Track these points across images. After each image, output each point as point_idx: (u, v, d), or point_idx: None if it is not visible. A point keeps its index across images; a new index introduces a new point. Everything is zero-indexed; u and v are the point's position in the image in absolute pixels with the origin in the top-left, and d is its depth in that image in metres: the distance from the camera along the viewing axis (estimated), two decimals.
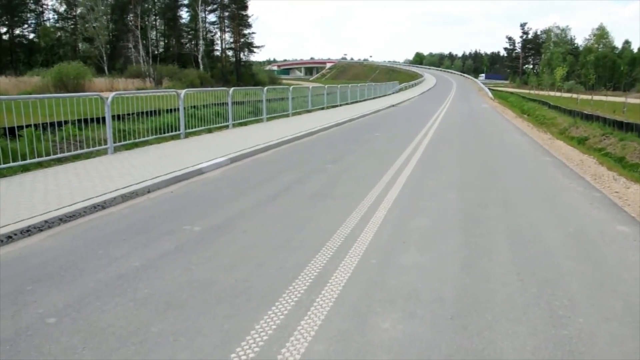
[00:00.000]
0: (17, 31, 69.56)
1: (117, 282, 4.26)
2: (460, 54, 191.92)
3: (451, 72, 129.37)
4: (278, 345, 3.33)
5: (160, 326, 3.54)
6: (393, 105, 31.10)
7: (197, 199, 7.08)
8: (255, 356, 3.19)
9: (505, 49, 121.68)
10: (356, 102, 32.42)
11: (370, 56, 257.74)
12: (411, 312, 3.83)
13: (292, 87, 22.76)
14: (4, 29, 67.77)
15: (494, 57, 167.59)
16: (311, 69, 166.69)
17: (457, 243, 5.45)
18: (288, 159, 10.71)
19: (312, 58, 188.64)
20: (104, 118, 10.28)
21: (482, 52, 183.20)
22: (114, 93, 10.51)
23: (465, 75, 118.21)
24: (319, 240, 5.34)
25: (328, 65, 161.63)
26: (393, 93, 50.10)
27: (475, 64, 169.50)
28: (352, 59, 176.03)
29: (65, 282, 4.26)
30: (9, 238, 5.20)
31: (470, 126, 20.50)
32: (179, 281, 4.28)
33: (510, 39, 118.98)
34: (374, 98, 38.50)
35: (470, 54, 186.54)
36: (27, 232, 5.39)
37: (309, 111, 22.86)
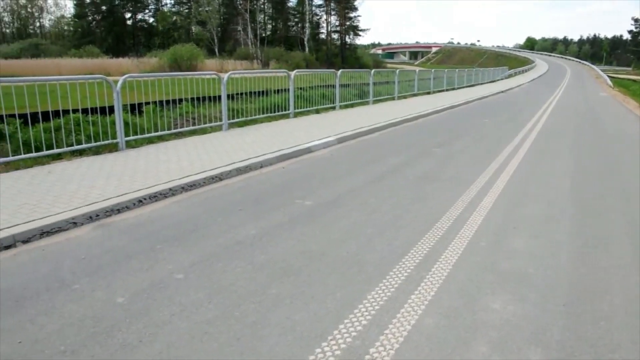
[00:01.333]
0: (139, 16, 74.29)
1: (236, 247, 4.55)
2: (576, 39, 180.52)
3: (565, 58, 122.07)
4: (389, 315, 3.43)
5: (277, 289, 3.76)
6: (502, 92, 29.99)
7: (307, 176, 7.32)
8: (367, 323, 3.32)
9: (630, 32, 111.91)
10: (463, 87, 31.63)
11: (478, 40, 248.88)
12: (522, 296, 3.79)
13: (398, 70, 22.60)
14: (128, 15, 72.60)
15: (616, 41, 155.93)
16: (416, 53, 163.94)
17: (571, 232, 5.26)
18: (394, 142, 10.74)
19: (417, 42, 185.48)
20: (215, 97, 10.85)
21: (601, 36, 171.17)
22: (229, 72, 11.04)
23: (582, 61, 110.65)
24: (427, 221, 5.37)
25: (433, 49, 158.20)
26: (502, 79, 48.24)
27: (592, 49, 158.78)
28: (458, 43, 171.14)
29: (189, 244, 4.62)
30: (140, 202, 5.69)
31: (586, 115, 19.35)
32: (292, 250, 4.50)
33: (637, 20, 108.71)
34: (481, 84, 37.32)
35: (587, 38, 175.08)
36: (155, 197, 5.87)
37: (415, 95, 22.64)
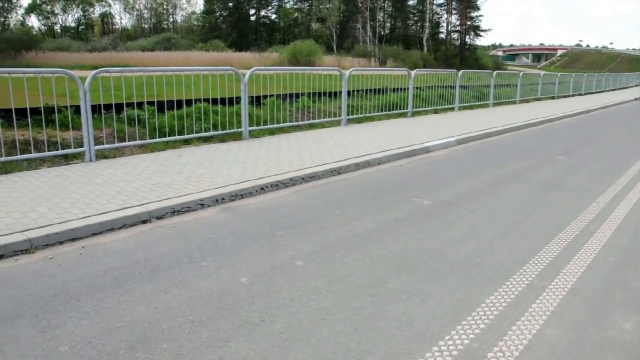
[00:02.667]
0: (262, 13, 77.15)
1: (354, 239, 4.62)
2: None
3: None
4: (508, 322, 3.33)
5: (394, 284, 3.78)
6: (636, 99, 27.78)
7: (425, 175, 7.26)
8: (485, 327, 3.24)
9: None
10: (591, 93, 29.67)
11: (611, 43, 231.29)
12: None
13: (522, 73, 21.67)
14: (252, 11, 75.64)
15: None
16: (539, 55, 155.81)
17: None
18: (516, 146, 10.33)
19: (541, 44, 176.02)
20: (332, 93, 11.05)
21: None
22: (351, 69, 11.19)
23: None
24: (550, 230, 5.14)
25: (559, 52, 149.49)
26: (636, 85, 44.63)
27: None
28: (587, 45, 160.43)
29: (308, 232, 4.76)
30: (262, 189, 5.94)
31: None
32: (410, 247, 4.49)
33: None
34: (612, 90, 34.80)
35: None
36: (276, 186, 6.11)
37: (538, 99, 21.61)
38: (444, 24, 76.54)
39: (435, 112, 14.21)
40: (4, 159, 6.35)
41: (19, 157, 6.50)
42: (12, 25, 63.49)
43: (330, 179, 6.70)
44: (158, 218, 5.00)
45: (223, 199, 5.55)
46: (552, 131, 13.14)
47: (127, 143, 7.46)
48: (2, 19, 63.44)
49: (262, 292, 3.59)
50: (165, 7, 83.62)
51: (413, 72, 13.22)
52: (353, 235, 4.72)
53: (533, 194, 6.52)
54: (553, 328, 3.30)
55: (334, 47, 64.89)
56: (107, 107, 7.77)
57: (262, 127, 9.17)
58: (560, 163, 8.65)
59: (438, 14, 76.24)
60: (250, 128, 8.85)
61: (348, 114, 11.03)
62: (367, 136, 9.42)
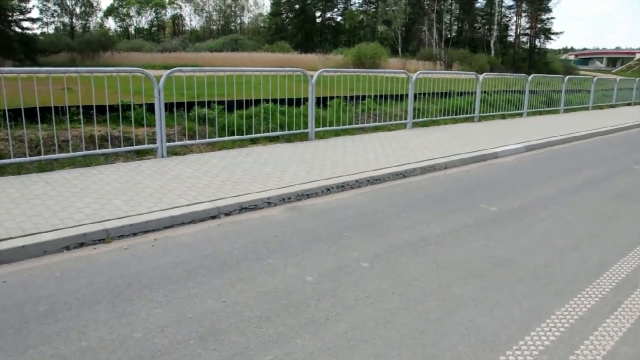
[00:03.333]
0: (328, 15, 77.62)
1: (420, 243, 4.60)
2: None
3: None
4: (580, 336, 3.23)
5: (460, 290, 3.73)
6: None
7: (493, 181, 7.12)
8: (555, 339, 3.16)
9: None
10: None
11: None
12: None
13: (595, 78, 20.82)
14: (318, 13, 76.23)
15: None
16: (615, 59, 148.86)
17: None
18: (589, 154, 9.95)
19: (617, 47, 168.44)
20: (397, 95, 10.99)
21: None
22: (418, 72, 11.09)
23: None
24: (626, 243, 4.92)
25: (637, 55, 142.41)
26: None
27: None
28: None
29: (374, 235, 4.77)
30: (328, 190, 6.00)
31: None
32: (477, 254, 4.43)
33: None
34: None
35: None
36: (341, 187, 6.15)
37: (612, 106, 20.70)
38: (513, 27, 74.46)
39: (503, 117, 13.88)
40: (84, 152, 6.71)
41: (97, 151, 6.86)
42: (91, 27, 66.95)
43: (396, 182, 6.68)
44: (226, 214, 5.14)
45: (289, 198, 5.64)
46: (628, 139, 12.55)
47: (196, 141, 7.71)
48: (84, 22, 67.00)
49: (327, 291, 3.64)
50: (233, 9, 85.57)
51: (481, 76, 12.97)
52: (419, 239, 4.69)
53: (607, 204, 6.27)
54: (630, 346, 3.17)
55: (399, 49, 64.42)
56: (178, 105, 8.04)
57: (327, 128, 9.25)
58: (636, 173, 8.27)
59: (507, 16, 74.25)
60: (316, 129, 8.94)
61: (414, 117, 10.94)
62: (432, 140, 9.32)
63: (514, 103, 14.85)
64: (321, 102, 10.29)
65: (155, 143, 7.20)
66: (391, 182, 6.68)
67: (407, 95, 10.93)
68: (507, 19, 74.58)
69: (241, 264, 4.05)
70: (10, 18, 46.51)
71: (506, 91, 15.12)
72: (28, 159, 6.36)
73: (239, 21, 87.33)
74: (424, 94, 12.32)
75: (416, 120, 11.02)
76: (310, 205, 5.61)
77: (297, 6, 77.18)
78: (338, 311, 3.37)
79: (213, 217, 5.06)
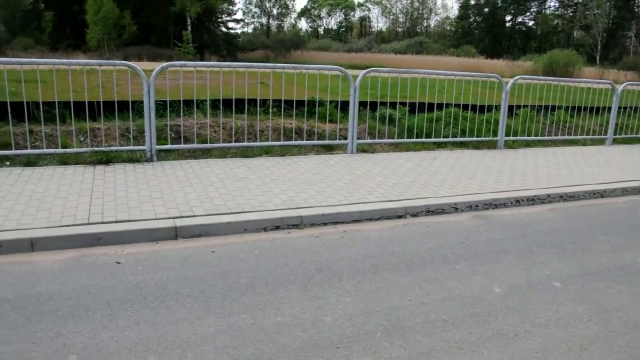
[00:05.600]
0: (519, 19, 73.97)
1: (621, 271, 4.22)
2: None
3: None
4: None
5: None
6: None
7: None
8: None
9: None
10: None
11: None
12: None
13: None
14: (508, 17, 73.06)
15: None
16: None
17: None
18: None
19: None
20: (594, 108, 10.11)
21: None
22: (625, 83, 10.13)
23: None
24: None
25: None
26: None
27: None
28: None
29: (567, 254, 4.49)
30: (517, 202, 5.79)
31: None
32: None
33: None
34: None
35: None
36: (532, 200, 5.87)
37: None
38: None
39: None
40: (280, 142, 7.26)
41: (292, 142, 7.40)
42: (285, 27, 71.81)
43: (593, 201, 6.19)
44: (413, 215, 5.20)
45: (477, 205, 5.53)
46: None
47: (384, 140, 7.90)
48: (279, 23, 72.11)
49: (516, 305, 3.52)
50: (420, 11, 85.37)
51: None
52: (619, 266, 4.31)
53: None
54: None
55: (597, 57, 59.17)
56: (361, 104, 8.25)
57: (517, 137, 8.87)
58: None
59: None
60: (506, 138, 8.62)
61: (615, 133, 10.02)
62: (637, 159, 8.45)
63: None
64: (508, 110, 9.89)
65: (345, 139, 7.50)
66: (587, 200, 6.20)
67: (606, 107, 10.05)
68: None
69: (427, 266, 4.07)
70: (219, 19, 52.22)
71: None
72: (232, 144, 7.06)
73: (425, 24, 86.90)
74: (630, 107, 11.19)
75: (617, 136, 10.07)
76: (498, 215, 5.44)
77: (486, 10, 74.65)
78: (527, 328, 3.25)
79: (399, 217, 5.15)
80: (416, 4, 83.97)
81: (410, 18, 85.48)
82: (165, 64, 6.65)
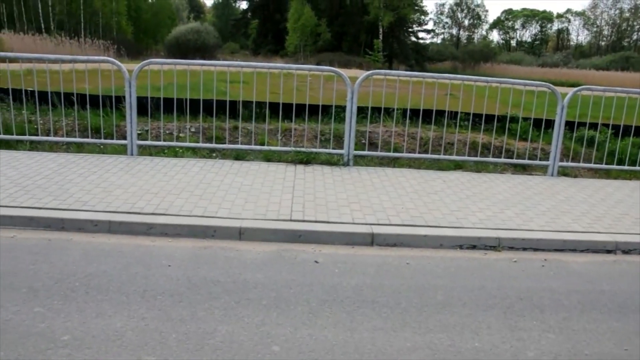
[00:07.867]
0: None
1: None
2: None
3: None
4: None
5: None
6: None
7: None
8: None
9: None
10: None
11: None
12: None
13: None
14: None
15: None
16: None
17: None
18: None
19: None
20: None
21: None
22: None
23: None
24: None
25: None
26: None
27: None
28: None
29: None
30: None
31: None
32: None
33: None
34: None
35: None
36: None
37: None
38: None
39: None
40: (476, 159, 7.05)
41: (489, 159, 7.25)
42: (475, 39, 69.91)
43: None
44: (624, 252, 4.68)
45: None
46: None
47: (590, 164, 7.24)
48: (469, 34, 70.48)
49: None
50: (631, 22, 76.73)
51: None
52: None
53: None
54: None
55: None
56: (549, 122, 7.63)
57: None
58: None
59: None
60: None
61: None
62: None
63: None
64: None
65: (547, 160, 7.01)
66: None
67: None
68: None
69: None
70: (410, 29, 52.66)
71: None
72: (423, 155, 7.02)
73: (635, 37, 78.04)
74: None
75: None
76: None
77: None
78: None
79: (609, 251, 4.67)
80: (626, 14, 75.50)
81: (617, 31, 77.34)
82: (369, 72, 6.82)
